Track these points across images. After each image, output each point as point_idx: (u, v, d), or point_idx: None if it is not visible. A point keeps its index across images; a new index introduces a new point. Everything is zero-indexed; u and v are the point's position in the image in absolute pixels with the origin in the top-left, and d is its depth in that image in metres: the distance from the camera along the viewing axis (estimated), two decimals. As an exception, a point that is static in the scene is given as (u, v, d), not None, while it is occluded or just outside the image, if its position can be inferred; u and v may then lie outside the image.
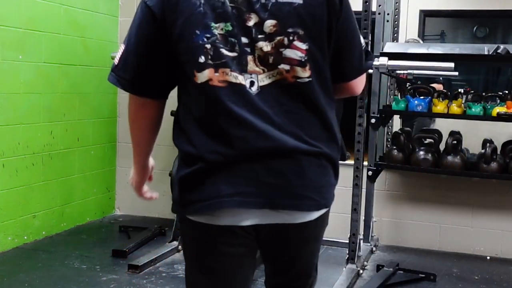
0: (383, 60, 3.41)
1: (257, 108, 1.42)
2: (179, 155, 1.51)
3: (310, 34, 1.44)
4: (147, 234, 4.21)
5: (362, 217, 3.87)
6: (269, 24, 1.41)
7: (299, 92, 1.45)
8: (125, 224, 4.58)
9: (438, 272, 3.69)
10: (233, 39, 1.41)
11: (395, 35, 4.25)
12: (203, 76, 1.41)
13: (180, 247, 3.93)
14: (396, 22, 4.23)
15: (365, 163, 3.81)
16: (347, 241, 3.63)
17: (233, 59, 1.41)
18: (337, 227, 4.29)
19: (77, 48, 4.37)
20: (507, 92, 3.89)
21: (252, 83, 1.43)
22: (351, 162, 3.64)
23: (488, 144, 3.80)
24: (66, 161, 4.34)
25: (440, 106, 3.79)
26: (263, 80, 1.43)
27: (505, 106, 3.65)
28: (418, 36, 4.44)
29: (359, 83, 1.62)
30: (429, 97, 3.84)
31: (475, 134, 4.18)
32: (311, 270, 1.70)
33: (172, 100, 1.59)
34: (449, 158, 3.82)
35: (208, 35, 1.40)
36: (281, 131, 1.43)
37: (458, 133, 3.93)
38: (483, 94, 3.97)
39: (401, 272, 3.69)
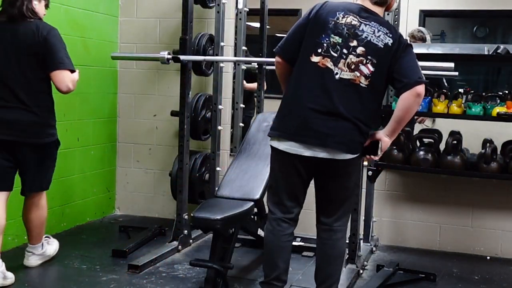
0: (383, 60, 3.41)
1: (334, 86, 2.59)
2: None
3: (379, 63, 2.60)
4: (147, 234, 4.21)
5: (362, 217, 3.87)
6: (361, 49, 2.59)
7: (358, 90, 2.60)
8: (125, 224, 4.58)
9: (438, 272, 3.69)
10: (338, 47, 2.59)
11: (395, 35, 4.24)
12: (316, 59, 2.62)
13: (180, 247, 3.94)
14: (396, 22, 4.22)
15: (365, 163, 3.80)
16: (347, 241, 3.63)
17: (333, 57, 2.60)
18: (337, 227, 4.31)
19: (77, 48, 4.36)
20: (507, 92, 3.88)
21: (336, 73, 2.59)
22: (351, 162, 3.63)
23: (488, 144, 3.80)
24: (66, 161, 4.34)
25: (440, 106, 3.79)
26: (344, 75, 2.59)
27: (505, 106, 3.65)
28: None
29: (412, 92, 2.58)
30: (429, 97, 3.84)
31: (475, 134, 4.19)
32: (344, 198, 2.76)
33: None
34: (449, 158, 3.83)
35: (327, 39, 2.61)
36: (338, 103, 2.58)
37: (458, 133, 3.93)
38: (483, 94, 3.96)
39: (401, 272, 3.69)
